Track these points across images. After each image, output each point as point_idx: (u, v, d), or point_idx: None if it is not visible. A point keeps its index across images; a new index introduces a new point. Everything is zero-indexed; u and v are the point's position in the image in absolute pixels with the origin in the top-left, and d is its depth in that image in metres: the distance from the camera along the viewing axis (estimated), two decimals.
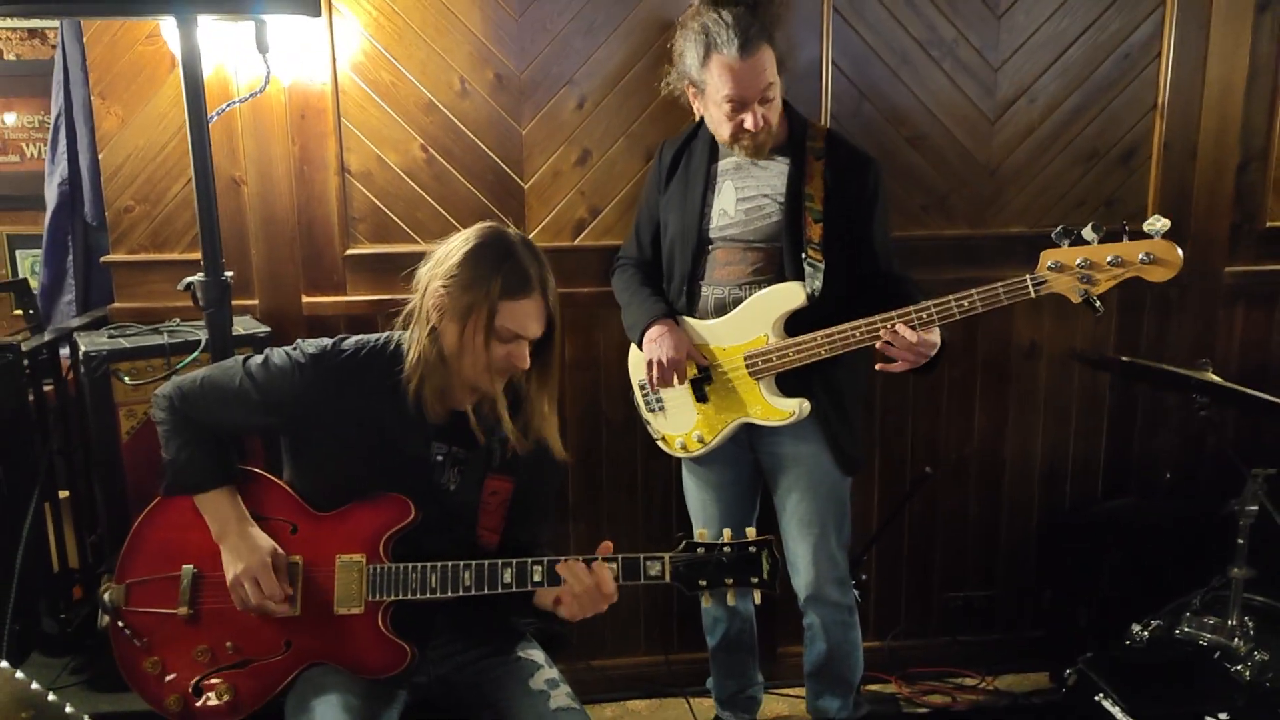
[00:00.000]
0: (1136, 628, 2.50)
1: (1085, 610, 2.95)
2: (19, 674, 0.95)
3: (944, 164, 2.91)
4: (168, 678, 1.88)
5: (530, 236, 2.79)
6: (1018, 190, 2.96)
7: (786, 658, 3.09)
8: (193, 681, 1.87)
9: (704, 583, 1.79)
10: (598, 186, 2.84)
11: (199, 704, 1.86)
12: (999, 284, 2.18)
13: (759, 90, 2.25)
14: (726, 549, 1.79)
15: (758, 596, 1.80)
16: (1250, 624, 2.38)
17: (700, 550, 1.80)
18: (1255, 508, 2.36)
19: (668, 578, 1.79)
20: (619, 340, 2.88)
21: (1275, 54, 2.93)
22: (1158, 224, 2.07)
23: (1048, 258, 2.16)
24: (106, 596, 1.90)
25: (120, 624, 1.90)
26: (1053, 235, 2.14)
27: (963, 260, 2.92)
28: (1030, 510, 3.16)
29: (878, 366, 2.26)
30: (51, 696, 0.91)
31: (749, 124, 2.27)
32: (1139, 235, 2.09)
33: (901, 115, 2.87)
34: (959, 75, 2.87)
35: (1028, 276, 2.16)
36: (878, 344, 2.22)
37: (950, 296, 2.19)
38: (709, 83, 2.28)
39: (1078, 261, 2.13)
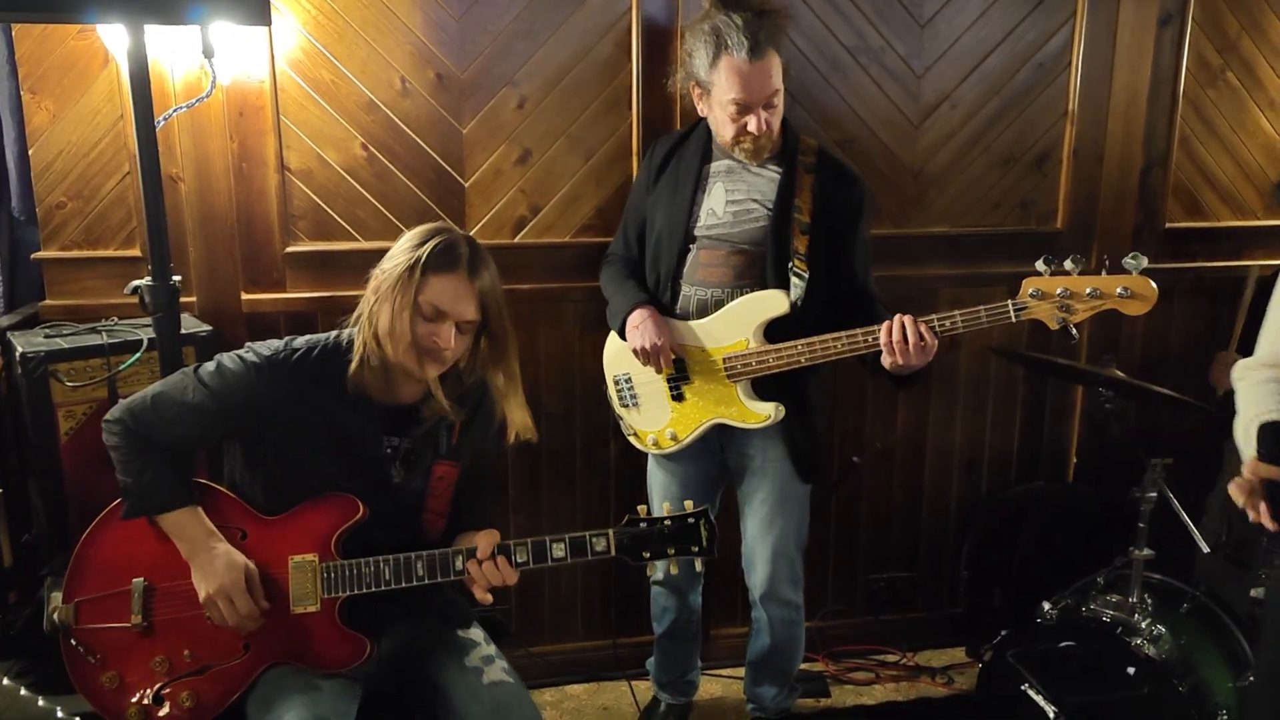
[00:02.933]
0: (1047, 606, 2.68)
1: (1000, 589, 3.14)
2: (23, 690, 0.98)
3: (871, 166, 3.03)
4: (126, 691, 1.88)
5: (471, 234, 2.85)
6: (940, 191, 3.11)
7: (720, 639, 3.21)
8: (152, 692, 1.88)
9: (648, 554, 1.90)
10: (538, 185, 2.89)
11: (160, 713, 1.87)
12: (981, 308, 2.23)
13: (765, 95, 2.31)
14: (667, 522, 1.91)
15: (699, 564, 1.91)
16: (1149, 601, 2.57)
17: (643, 524, 1.91)
18: (1154, 494, 2.55)
19: (613, 551, 1.89)
20: (559, 335, 2.96)
21: (1175, 65, 3.12)
22: (1136, 261, 2.12)
23: (1030, 285, 2.20)
24: (56, 616, 1.88)
25: (73, 642, 1.89)
26: (1037, 265, 2.18)
27: (889, 258, 3.04)
28: (950, 496, 3.33)
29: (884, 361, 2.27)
30: (60, 713, 0.95)
31: (752, 127, 2.32)
32: (1118, 269, 2.15)
33: (831, 119, 2.99)
34: (885, 81, 2.99)
35: (1010, 302, 2.22)
36: (885, 333, 2.23)
37: (934, 316, 2.24)
38: (716, 84, 2.32)
39: (1059, 291, 2.18)
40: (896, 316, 2.24)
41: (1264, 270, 3.14)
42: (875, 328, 2.26)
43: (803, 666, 3.14)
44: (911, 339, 2.20)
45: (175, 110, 2.56)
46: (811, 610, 3.29)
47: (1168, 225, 3.24)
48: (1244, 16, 3.13)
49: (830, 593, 3.33)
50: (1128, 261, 2.13)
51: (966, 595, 3.29)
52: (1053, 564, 3.01)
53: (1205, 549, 2.63)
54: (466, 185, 2.86)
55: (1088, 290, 2.17)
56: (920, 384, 2.40)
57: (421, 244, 1.86)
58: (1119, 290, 2.15)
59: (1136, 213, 3.20)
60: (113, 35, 2.45)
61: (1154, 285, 2.14)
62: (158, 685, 1.88)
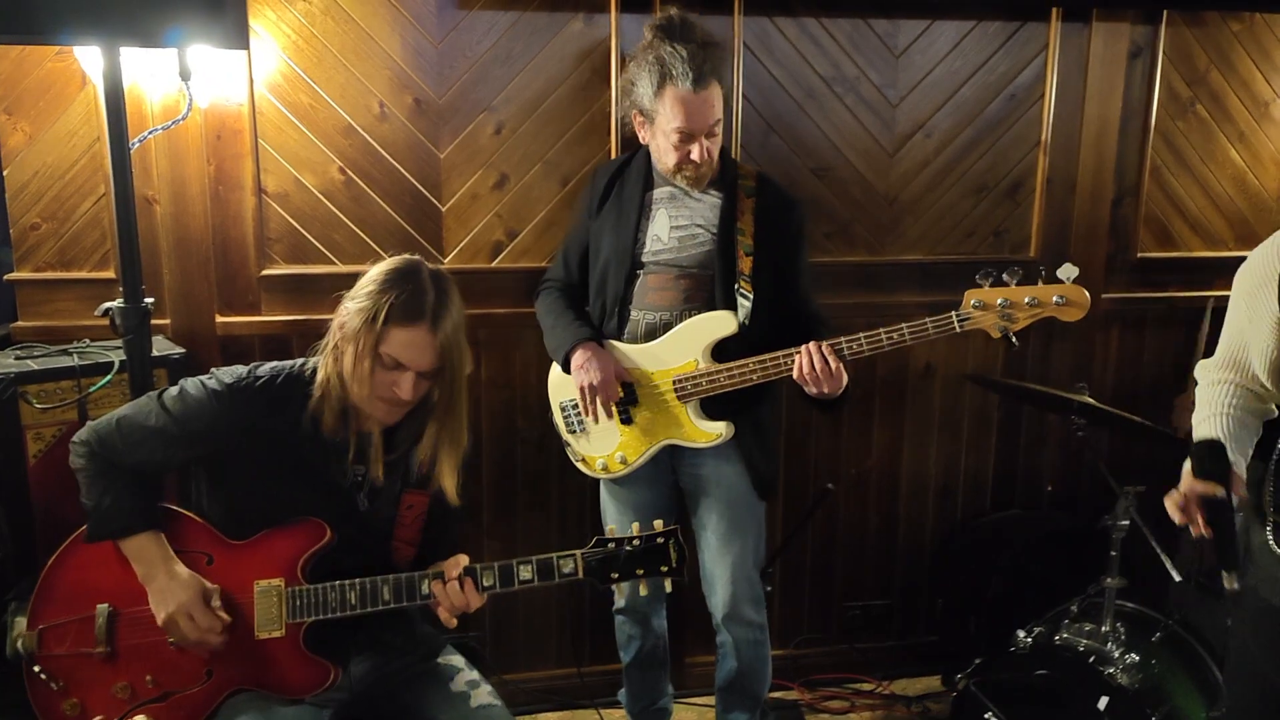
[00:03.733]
0: (1021, 634, 2.67)
1: (975, 617, 3.13)
2: None
3: (846, 194, 3.06)
4: (88, 718, 1.86)
5: (448, 258, 2.88)
6: (914, 219, 3.13)
7: (694, 667, 3.19)
8: None
9: (616, 575, 1.87)
10: (515, 210, 2.90)
11: None
12: (927, 319, 2.28)
13: (707, 124, 2.34)
14: (635, 542, 1.88)
15: (669, 584, 1.89)
16: (1121, 629, 2.58)
17: (610, 545, 1.88)
18: (1126, 522, 2.56)
19: (581, 574, 1.87)
20: (535, 359, 2.95)
21: (1146, 97, 3.17)
22: (1069, 271, 2.21)
23: (971, 296, 2.27)
24: (20, 644, 1.87)
25: (36, 668, 1.87)
26: (976, 277, 2.26)
27: (863, 285, 3.08)
28: (925, 523, 3.33)
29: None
30: None
31: (695, 155, 2.35)
32: (1054, 280, 2.23)
33: (807, 147, 3.01)
34: (860, 110, 3.02)
35: (953, 314, 2.28)
36: (797, 368, 2.30)
37: (881, 330, 2.28)
38: (660, 113, 2.36)
39: (999, 301, 2.24)
40: (807, 345, 2.29)
41: (1219, 302, 3.17)
42: (826, 342, 2.31)
43: (778, 695, 3.14)
44: (818, 365, 2.27)
45: (151, 132, 2.56)
46: (786, 638, 3.29)
47: (1140, 255, 3.28)
48: (1213, 50, 3.18)
49: (805, 620, 3.32)
50: (1061, 272, 2.22)
51: (942, 623, 3.30)
52: (1028, 591, 3.01)
53: (1177, 577, 2.64)
54: (444, 210, 2.87)
55: (1026, 299, 2.24)
56: (836, 411, 2.46)
57: (385, 289, 1.83)
58: (1055, 298, 2.23)
59: (1109, 242, 3.23)
60: (89, 57, 2.45)
61: (1087, 293, 2.24)
62: (119, 714, 1.85)
